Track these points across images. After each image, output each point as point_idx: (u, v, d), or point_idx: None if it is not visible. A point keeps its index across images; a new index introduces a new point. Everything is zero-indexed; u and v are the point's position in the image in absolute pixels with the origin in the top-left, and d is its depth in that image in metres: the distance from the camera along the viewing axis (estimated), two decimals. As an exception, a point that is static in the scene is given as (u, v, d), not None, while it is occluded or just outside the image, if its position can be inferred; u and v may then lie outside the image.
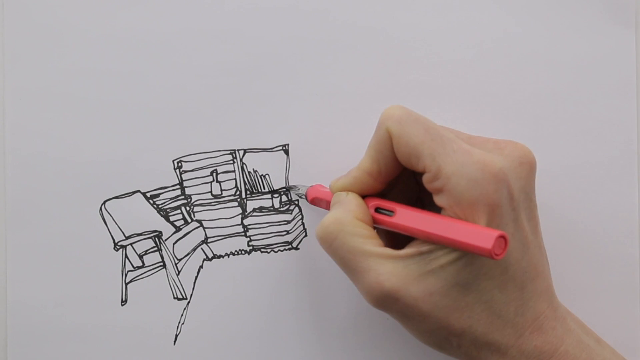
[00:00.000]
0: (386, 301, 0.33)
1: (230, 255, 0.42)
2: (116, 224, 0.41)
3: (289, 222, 0.42)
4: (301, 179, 0.41)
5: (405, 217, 0.34)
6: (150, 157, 0.41)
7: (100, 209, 0.41)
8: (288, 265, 0.41)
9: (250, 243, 0.42)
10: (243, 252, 0.42)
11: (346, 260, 0.34)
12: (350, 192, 0.36)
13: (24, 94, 0.41)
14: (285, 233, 0.42)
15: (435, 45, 0.41)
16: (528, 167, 0.33)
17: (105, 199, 0.41)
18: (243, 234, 0.42)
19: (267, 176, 0.42)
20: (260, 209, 0.42)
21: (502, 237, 0.30)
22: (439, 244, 0.32)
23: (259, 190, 0.42)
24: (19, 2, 0.41)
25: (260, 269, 0.41)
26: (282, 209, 0.42)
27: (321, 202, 0.38)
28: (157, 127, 0.41)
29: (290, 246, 0.42)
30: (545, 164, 0.41)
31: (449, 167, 0.31)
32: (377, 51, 0.41)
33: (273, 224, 0.42)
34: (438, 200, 0.32)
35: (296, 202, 0.42)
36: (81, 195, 0.41)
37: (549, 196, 0.41)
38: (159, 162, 0.41)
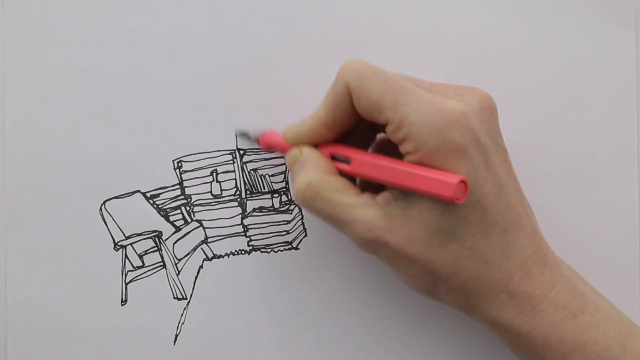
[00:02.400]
0: (375, 246, 0.33)
1: (230, 255, 0.42)
2: (116, 224, 0.41)
3: (289, 222, 0.42)
4: (301, 179, 0.41)
5: (363, 164, 0.34)
6: (150, 157, 0.41)
7: (100, 209, 0.41)
8: (288, 265, 0.41)
9: (250, 243, 0.42)
10: (243, 252, 0.42)
11: (331, 217, 0.34)
12: (304, 148, 0.36)
13: (24, 94, 0.41)
14: (285, 233, 0.42)
15: (434, 46, 0.41)
16: (489, 112, 0.33)
17: (105, 199, 0.41)
18: (243, 234, 0.42)
19: (266, 176, 0.42)
20: (260, 209, 0.42)
21: (462, 181, 0.31)
22: (403, 190, 0.32)
23: (259, 190, 0.42)
24: (19, 2, 0.41)
25: (260, 269, 0.41)
26: (282, 209, 0.42)
27: (275, 149, 0.38)
28: (157, 127, 0.41)
29: (290, 246, 0.42)
30: (545, 163, 0.41)
31: (411, 116, 0.31)
32: (378, 52, 0.41)
33: (273, 224, 0.42)
34: (403, 148, 0.32)
35: (296, 202, 0.42)
36: (81, 195, 0.41)
37: (549, 196, 0.41)
38: (159, 162, 0.41)
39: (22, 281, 0.41)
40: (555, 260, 0.35)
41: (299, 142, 0.36)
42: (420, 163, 0.32)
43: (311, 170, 0.35)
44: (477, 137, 0.32)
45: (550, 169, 0.41)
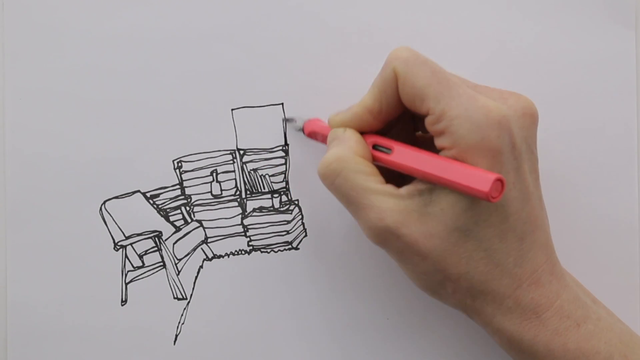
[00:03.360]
0: (387, 237, 0.33)
1: (230, 255, 0.42)
2: (116, 224, 0.41)
3: (289, 222, 0.42)
4: (301, 179, 0.41)
5: (403, 155, 0.34)
6: (150, 157, 0.41)
7: (100, 209, 0.41)
8: (288, 265, 0.41)
9: (250, 243, 0.42)
10: (243, 252, 0.42)
11: (348, 197, 0.34)
12: (348, 129, 0.36)
13: (24, 93, 0.41)
14: (285, 233, 0.42)
15: (434, 46, 0.41)
16: (530, 119, 0.33)
17: (105, 199, 0.41)
18: (243, 234, 0.42)
19: (266, 176, 0.42)
20: (260, 209, 0.42)
21: (499, 180, 0.30)
22: (436, 184, 0.32)
23: (259, 190, 0.42)
24: (19, 2, 0.41)
25: (260, 269, 0.41)
26: (282, 209, 0.42)
27: (318, 136, 0.39)
28: (157, 127, 0.41)
29: (290, 246, 0.42)
30: (545, 163, 0.41)
31: (453, 110, 0.32)
32: (379, 52, 0.41)
33: (273, 224, 0.42)
34: (439, 142, 0.32)
35: (296, 202, 0.42)
36: (81, 195, 0.41)
37: (549, 196, 0.41)
38: (159, 162, 0.41)
39: (22, 281, 0.41)
40: (561, 270, 0.35)
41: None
42: (455, 158, 0.32)
43: (345, 147, 0.35)
44: (514, 142, 0.32)
45: (549, 169, 0.41)
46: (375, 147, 0.35)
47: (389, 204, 0.33)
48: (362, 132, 0.36)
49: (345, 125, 0.36)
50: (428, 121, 0.33)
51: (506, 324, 0.33)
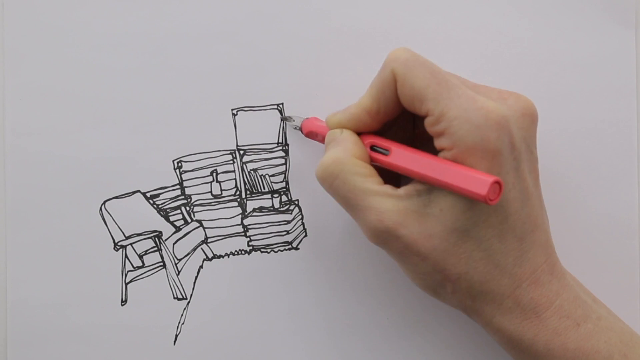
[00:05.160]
0: (387, 238, 0.33)
1: (230, 255, 0.42)
2: (116, 224, 0.41)
3: (289, 222, 0.42)
4: (301, 179, 0.41)
5: (401, 156, 0.34)
6: (150, 157, 0.41)
7: (100, 209, 0.41)
8: (288, 265, 0.41)
9: (250, 243, 0.42)
10: (243, 252, 0.42)
11: (347, 199, 0.34)
12: (345, 130, 0.36)
13: (24, 93, 0.41)
14: (285, 233, 0.42)
15: (434, 46, 0.41)
16: (530, 119, 0.33)
17: (105, 199, 0.41)
18: (243, 234, 0.42)
19: (266, 176, 0.42)
20: (260, 209, 0.42)
21: (497, 182, 0.30)
22: (434, 185, 0.32)
23: (259, 190, 0.42)
24: (19, 2, 0.41)
25: (260, 269, 0.41)
26: (282, 209, 0.42)
27: (317, 136, 0.38)
28: (157, 127, 0.41)
29: (290, 246, 0.42)
30: (545, 163, 0.41)
31: (452, 111, 0.31)
32: (379, 52, 0.41)
33: (273, 224, 0.42)
34: (439, 143, 0.32)
35: (296, 202, 0.42)
36: (81, 195, 0.41)
37: (549, 196, 0.41)
38: (159, 162, 0.41)
39: (22, 281, 0.41)
40: (561, 270, 0.35)
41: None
42: (454, 159, 0.32)
43: (343, 149, 0.35)
44: (514, 142, 0.32)
45: (549, 169, 0.41)
46: (372, 148, 0.35)
47: (388, 205, 0.33)
48: (360, 133, 0.36)
49: (343, 125, 0.36)
50: (427, 122, 0.33)
51: (506, 324, 0.33)
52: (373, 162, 0.35)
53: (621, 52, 0.41)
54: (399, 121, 0.37)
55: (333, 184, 0.34)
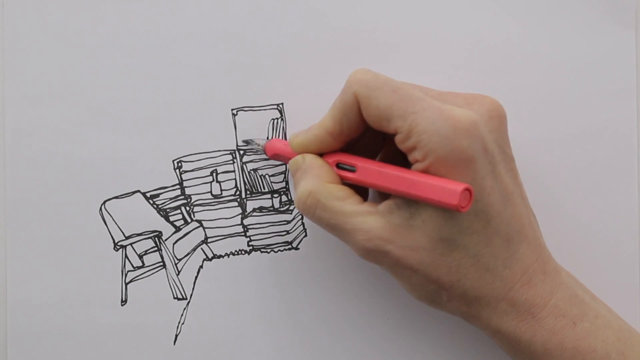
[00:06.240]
0: (376, 256, 0.33)
1: (230, 255, 0.42)
2: (116, 224, 0.41)
3: (289, 222, 0.42)
4: (301, 179, 0.41)
5: (368, 172, 0.34)
6: (150, 157, 0.41)
7: (100, 209, 0.41)
8: (288, 265, 0.41)
9: (250, 243, 0.42)
10: (243, 252, 0.42)
11: (332, 226, 0.34)
12: (306, 155, 0.36)
13: (24, 93, 0.41)
14: (285, 233, 0.42)
15: (433, 46, 0.41)
16: (498, 120, 0.33)
17: (105, 199, 0.41)
18: (243, 234, 0.42)
19: (266, 176, 0.42)
20: (260, 209, 0.42)
21: (467, 189, 0.30)
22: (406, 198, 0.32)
23: (259, 190, 0.42)
24: (19, 2, 0.41)
25: (260, 269, 0.41)
26: (282, 209, 0.42)
27: (281, 158, 0.38)
28: (157, 127, 0.41)
29: (290, 246, 0.42)
30: (545, 163, 0.41)
31: (420, 125, 0.31)
32: (375, 52, 0.41)
33: (273, 224, 0.42)
34: (412, 157, 0.32)
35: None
36: (81, 195, 0.41)
37: (549, 196, 0.41)
38: (159, 162, 0.41)
39: (22, 281, 0.41)
40: (555, 267, 0.35)
41: (304, 150, 0.36)
42: (428, 171, 0.32)
43: (313, 179, 0.35)
44: (486, 146, 0.32)
45: (549, 169, 0.41)
46: (339, 165, 0.35)
47: (371, 223, 0.33)
48: (323, 153, 0.36)
49: (305, 147, 0.36)
50: (398, 140, 0.33)
51: (503, 327, 0.33)
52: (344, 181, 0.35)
53: (621, 52, 0.41)
54: (368, 134, 0.37)
55: (315, 214, 0.34)
